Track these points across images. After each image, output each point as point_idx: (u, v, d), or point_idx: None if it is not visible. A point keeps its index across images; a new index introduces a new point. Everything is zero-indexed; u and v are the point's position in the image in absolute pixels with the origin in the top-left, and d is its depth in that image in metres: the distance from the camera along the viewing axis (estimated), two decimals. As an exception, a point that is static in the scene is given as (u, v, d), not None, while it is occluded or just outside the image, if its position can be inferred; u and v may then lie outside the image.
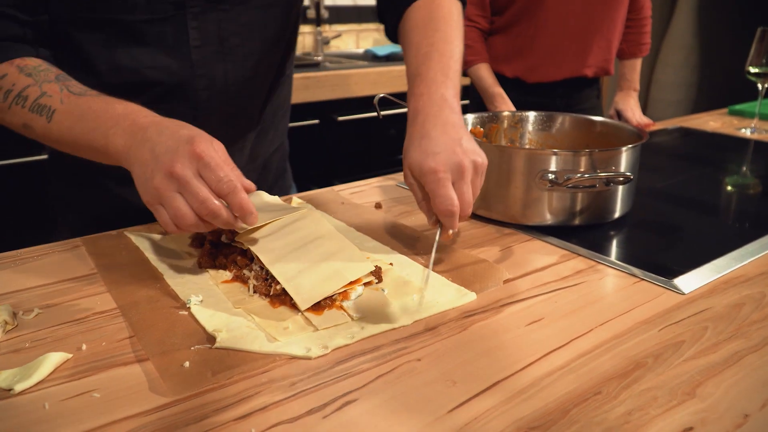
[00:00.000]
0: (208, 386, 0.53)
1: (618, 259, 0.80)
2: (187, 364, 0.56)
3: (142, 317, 0.64)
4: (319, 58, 2.67)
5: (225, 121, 0.93)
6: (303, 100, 2.19)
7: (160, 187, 0.63)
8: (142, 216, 0.88)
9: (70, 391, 0.53)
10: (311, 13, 2.74)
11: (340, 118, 2.30)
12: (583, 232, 0.89)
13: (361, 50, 2.98)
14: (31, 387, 0.53)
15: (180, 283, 0.71)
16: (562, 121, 1.10)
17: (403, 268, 0.76)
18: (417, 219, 0.94)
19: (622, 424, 0.49)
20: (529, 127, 1.11)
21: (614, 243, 0.88)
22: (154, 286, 0.70)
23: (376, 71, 2.35)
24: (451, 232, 0.73)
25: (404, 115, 0.81)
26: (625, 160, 0.88)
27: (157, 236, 0.84)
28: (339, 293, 0.67)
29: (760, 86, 1.62)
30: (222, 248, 0.76)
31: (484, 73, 1.73)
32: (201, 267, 0.75)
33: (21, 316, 0.64)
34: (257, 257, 0.69)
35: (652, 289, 0.73)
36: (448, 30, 0.84)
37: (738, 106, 1.87)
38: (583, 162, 0.85)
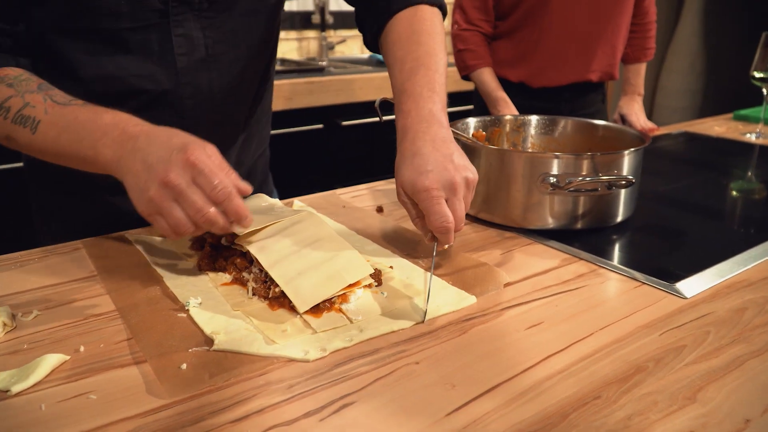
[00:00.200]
0: (205, 388, 0.53)
1: (620, 263, 0.80)
2: (184, 366, 0.55)
3: (141, 319, 0.63)
4: (324, 63, 2.67)
5: (211, 128, 0.92)
6: (307, 105, 2.20)
7: (155, 197, 0.63)
8: (132, 223, 0.88)
9: (66, 392, 0.52)
10: (316, 19, 2.75)
11: (344, 123, 2.31)
12: (585, 235, 0.88)
13: (365, 56, 2.99)
14: (28, 388, 0.53)
15: (179, 285, 0.71)
16: (565, 124, 1.09)
17: (404, 272, 0.76)
18: (418, 222, 0.93)
19: (622, 428, 0.49)
20: (532, 131, 1.11)
21: (616, 247, 0.87)
22: (154, 289, 0.70)
23: (381, 76, 2.35)
24: (447, 246, 0.74)
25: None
26: (627, 163, 0.88)
27: (157, 239, 0.84)
28: (338, 296, 0.67)
29: (765, 91, 1.61)
30: (222, 251, 0.76)
31: (488, 77, 1.72)
32: (201, 269, 0.75)
33: (20, 318, 0.64)
34: (257, 260, 0.69)
35: (653, 293, 0.72)
36: (431, 43, 0.83)
37: (743, 111, 1.86)
38: (585, 165, 0.85)
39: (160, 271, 0.74)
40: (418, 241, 0.86)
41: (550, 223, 0.88)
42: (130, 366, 0.56)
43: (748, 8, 3.35)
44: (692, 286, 0.73)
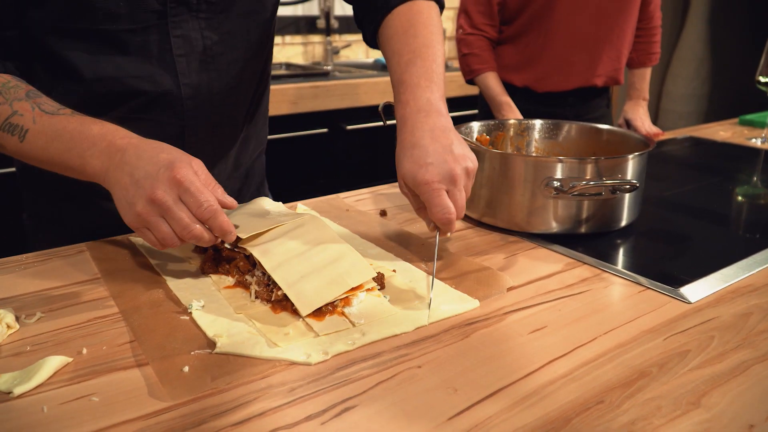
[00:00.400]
0: (207, 391, 0.53)
1: (624, 267, 0.80)
2: (186, 369, 0.55)
3: (144, 322, 0.63)
4: (329, 68, 2.68)
5: (211, 130, 0.93)
6: (312, 109, 2.20)
7: (142, 212, 0.65)
8: (127, 228, 0.88)
9: (68, 394, 0.52)
10: (321, 23, 2.76)
11: (349, 127, 2.31)
12: (589, 240, 0.88)
13: (370, 60, 2.99)
14: (30, 390, 0.53)
15: (182, 288, 0.71)
16: (569, 129, 1.09)
17: (406, 275, 0.75)
18: (421, 227, 0.93)
19: (625, 433, 0.49)
20: (536, 135, 1.11)
21: (620, 251, 0.87)
22: (157, 291, 0.70)
23: (385, 81, 2.35)
24: (449, 234, 0.77)
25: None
26: (631, 167, 0.87)
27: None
28: (341, 299, 0.67)
29: (770, 96, 1.61)
30: (225, 254, 0.75)
31: (492, 81, 1.73)
32: (204, 272, 0.75)
33: (23, 320, 0.64)
34: (259, 263, 0.69)
35: (658, 297, 0.72)
36: (428, 35, 0.84)
37: (748, 116, 1.85)
38: (589, 169, 0.85)
39: (163, 273, 0.74)
40: (422, 244, 0.86)
41: (554, 227, 0.88)
42: (132, 368, 0.56)
43: (754, 13, 3.34)
44: (697, 290, 0.73)
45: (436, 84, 0.79)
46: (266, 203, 0.86)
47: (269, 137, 1.17)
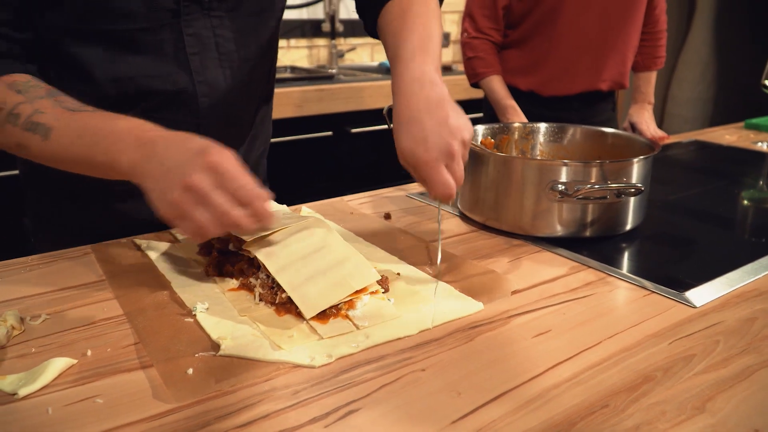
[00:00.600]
0: (211, 393, 0.53)
1: (629, 271, 0.79)
2: (190, 371, 0.55)
3: (148, 324, 0.64)
4: (334, 71, 2.68)
5: (224, 129, 0.93)
6: (317, 112, 2.21)
7: (178, 201, 0.62)
8: (134, 228, 0.89)
9: (73, 396, 0.53)
10: (326, 27, 2.77)
11: (354, 130, 2.31)
12: (594, 243, 0.88)
13: (375, 63, 3.00)
14: (35, 392, 0.53)
15: (186, 290, 0.71)
16: (574, 132, 1.09)
17: (410, 279, 0.75)
18: (426, 230, 0.93)
19: (630, 437, 0.48)
20: (540, 139, 1.11)
21: (625, 255, 0.87)
22: (161, 293, 0.70)
23: (390, 84, 2.35)
24: (450, 202, 0.81)
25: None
26: (636, 171, 0.87)
27: (165, 244, 0.84)
28: (345, 302, 0.67)
29: (776, 100, 1.60)
30: (229, 256, 0.76)
31: (497, 85, 1.72)
32: (208, 275, 0.75)
33: (28, 322, 0.64)
34: (264, 265, 0.69)
35: (662, 302, 0.71)
36: (424, 15, 0.84)
37: (754, 120, 1.85)
38: (594, 173, 0.84)
39: (167, 276, 0.75)
40: (426, 247, 0.86)
41: (559, 230, 0.87)
42: (136, 370, 0.56)
43: (760, 17, 3.33)
44: (702, 295, 0.73)
45: (431, 56, 0.78)
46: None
47: (274, 140, 1.17)
